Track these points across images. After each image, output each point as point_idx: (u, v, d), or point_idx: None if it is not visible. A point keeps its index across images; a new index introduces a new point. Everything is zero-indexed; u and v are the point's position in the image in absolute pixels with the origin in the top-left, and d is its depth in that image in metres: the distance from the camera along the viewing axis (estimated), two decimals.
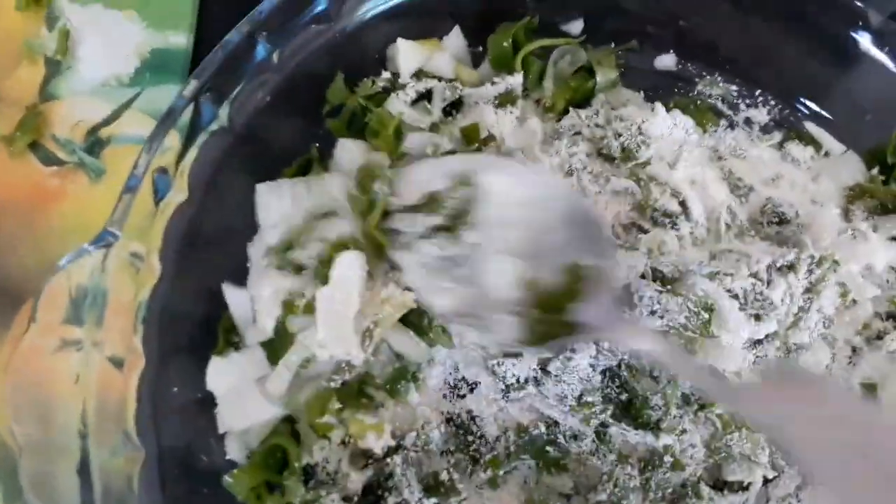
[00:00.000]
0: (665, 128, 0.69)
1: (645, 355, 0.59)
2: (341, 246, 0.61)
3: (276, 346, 0.62)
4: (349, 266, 0.61)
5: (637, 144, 0.68)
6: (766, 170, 0.71)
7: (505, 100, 0.69)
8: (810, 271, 0.61)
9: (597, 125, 0.70)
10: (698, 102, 0.76)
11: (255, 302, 0.64)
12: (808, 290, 0.61)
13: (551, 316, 0.59)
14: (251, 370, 0.63)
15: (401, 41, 0.72)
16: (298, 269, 0.63)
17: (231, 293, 0.66)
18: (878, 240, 0.65)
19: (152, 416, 0.61)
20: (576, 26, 0.77)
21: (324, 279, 0.61)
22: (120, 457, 0.57)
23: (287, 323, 0.62)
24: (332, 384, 0.61)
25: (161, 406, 0.62)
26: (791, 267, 0.61)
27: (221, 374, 0.63)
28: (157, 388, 0.61)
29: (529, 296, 0.60)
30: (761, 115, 0.76)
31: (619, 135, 0.68)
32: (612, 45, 0.77)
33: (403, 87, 0.72)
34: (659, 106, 0.70)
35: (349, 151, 0.70)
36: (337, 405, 0.60)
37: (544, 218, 0.61)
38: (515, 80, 0.70)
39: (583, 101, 0.74)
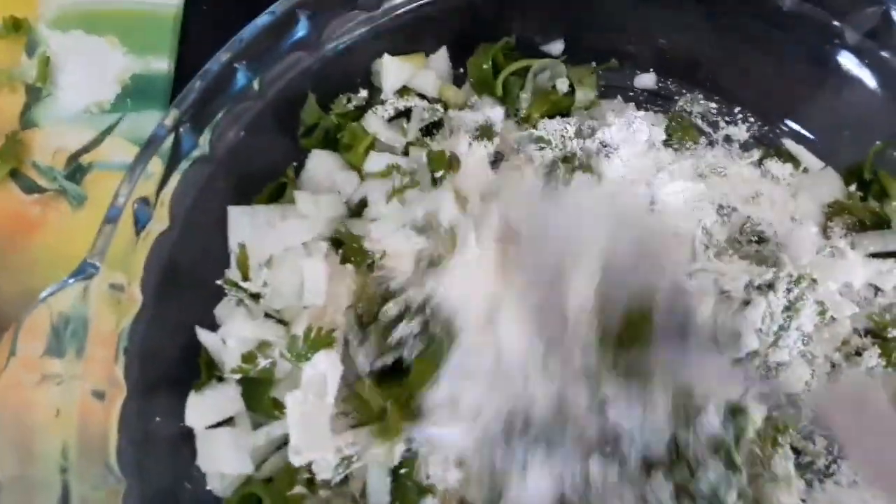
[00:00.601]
0: (626, 133, 0.69)
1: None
2: (319, 343, 0.59)
3: (249, 386, 0.62)
4: (324, 366, 0.59)
5: (598, 152, 0.68)
6: (746, 188, 0.71)
7: (484, 132, 0.69)
8: (789, 290, 0.61)
9: (566, 136, 0.70)
10: (680, 119, 0.77)
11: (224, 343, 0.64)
12: (787, 309, 0.61)
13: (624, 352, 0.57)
14: (228, 406, 0.63)
15: (386, 57, 0.73)
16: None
17: (203, 335, 0.65)
18: (856, 257, 0.65)
19: (135, 448, 0.60)
20: (556, 47, 0.78)
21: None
22: (102, 490, 0.57)
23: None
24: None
25: (144, 437, 0.61)
26: (770, 286, 0.61)
27: (199, 409, 0.63)
28: (139, 419, 0.61)
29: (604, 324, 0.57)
30: (741, 133, 0.77)
31: (583, 140, 0.69)
32: (593, 64, 0.77)
33: (383, 102, 0.72)
34: (621, 110, 0.71)
35: (322, 163, 0.70)
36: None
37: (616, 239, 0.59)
38: (496, 114, 0.71)
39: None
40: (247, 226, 0.66)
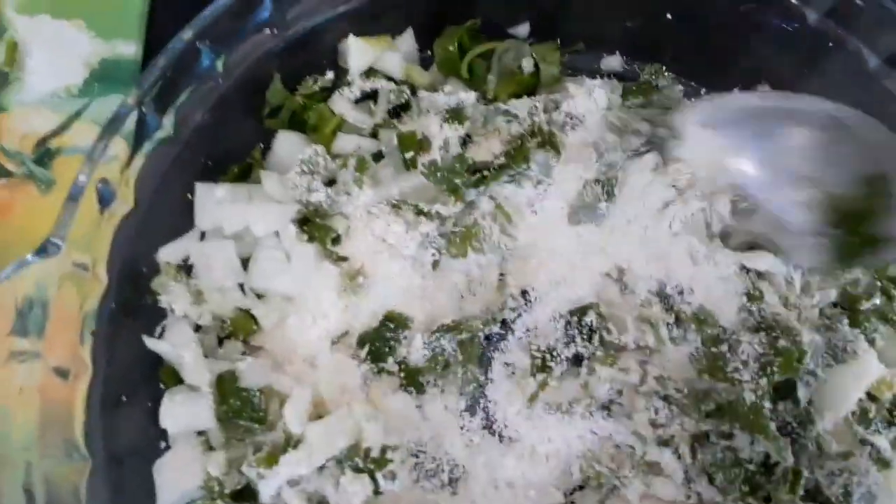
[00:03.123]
0: (588, 102, 0.70)
1: None
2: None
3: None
4: None
5: (564, 125, 0.69)
6: None
7: (454, 116, 0.69)
8: None
9: (532, 112, 0.71)
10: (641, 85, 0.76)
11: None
12: None
13: (856, 234, 0.59)
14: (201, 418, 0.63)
15: (352, 38, 0.73)
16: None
17: (153, 344, 0.65)
18: None
19: (102, 427, 0.61)
20: (522, 29, 0.78)
21: None
22: (65, 466, 0.57)
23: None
24: None
25: (111, 416, 0.61)
26: None
27: (174, 413, 0.64)
28: (106, 398, 0.61)
29: (830, 215, 0.60)
30: None
31: (549, 115, 0.70)
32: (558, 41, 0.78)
33: (349, 84, 0.72)
34: (581, 82, 0.73)
35: (288, 143, 0.70)
36: None
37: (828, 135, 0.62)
38: (468, 97, 0.71)
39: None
40: (213, 203, 0.66)
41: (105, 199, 0.61)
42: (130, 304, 0.64)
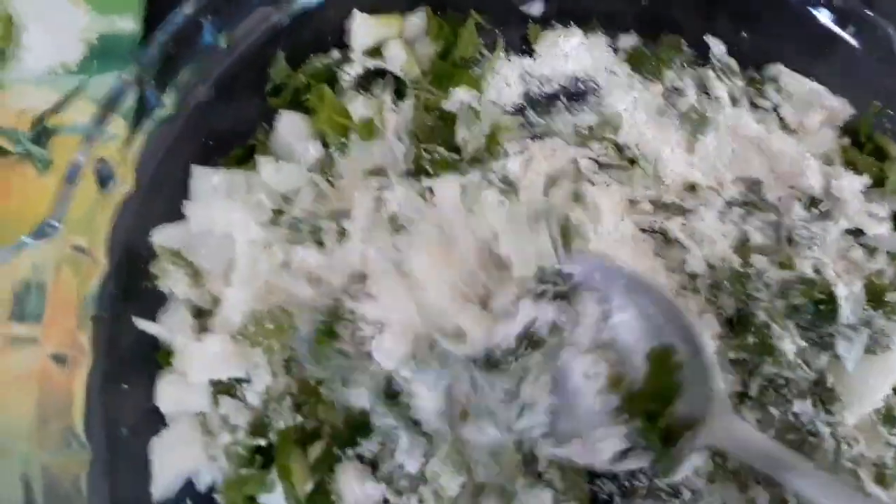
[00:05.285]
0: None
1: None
2: None
3: None
4: None
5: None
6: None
7: None
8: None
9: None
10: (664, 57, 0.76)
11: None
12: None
13: (656, 422, 0.56)
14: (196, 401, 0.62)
15: (357, 13, 0.70)
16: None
17: (146, 325, 0.63)
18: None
19: (102, 415, 0.59)
20: (536, 7, 0.76)
21: None
22: (64, 456, 0.55)
23: None
24: None
25: (112, 405, 0.60)
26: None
27: (168, 394, 0.62)
28: (107, 386, 0.59)
29: (626, 401, 0.57)
30: (723, 93, 0.75)
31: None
32: (572, 25, 0.75)
33: (351, 62, 0.70)
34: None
35: (292, 124, 0.68)
36: None
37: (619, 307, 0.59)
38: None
39: None
40: (208, 188, 0.64)
41: (104, 180, 0.59)
42: (131, 287, 0.62)
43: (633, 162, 0.70)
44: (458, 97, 0.70)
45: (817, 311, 0.61)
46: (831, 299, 0.61)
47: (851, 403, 0.61)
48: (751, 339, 0.61)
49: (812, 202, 0.68)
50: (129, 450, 0.61)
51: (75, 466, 0.56)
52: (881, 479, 0.59)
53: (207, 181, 0.65)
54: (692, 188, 0.70)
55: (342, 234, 0.63)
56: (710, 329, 0.62)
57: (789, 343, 0.61)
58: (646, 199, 0.68)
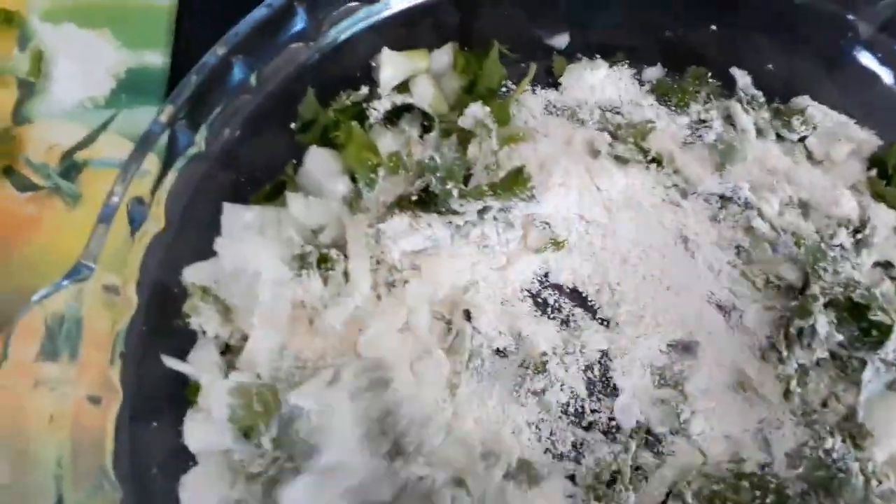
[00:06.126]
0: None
1: None
2: None
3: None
4: None
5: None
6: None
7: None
8: None
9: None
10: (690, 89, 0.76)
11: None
12: None
13: None
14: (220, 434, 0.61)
15: (385, 50, 0.71)
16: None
17: (173, 363, 0.63)
18: None
19: (131, 454, 0.59)
20: (561, 40, 0.76)
21: None
22: (97, 498, 0.55)
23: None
24: None
25: (141, 443, 0.60)
26: None
27: (196, 432, 0.62)
28: (136, 425, 0.59)
29: None
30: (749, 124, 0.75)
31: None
32: (598, 57, 0.75)
33: (379, 98, 0.70)
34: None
35: (320, 159, 0.68)
36: None
37: None
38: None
39: None
40: (239, 225, 0.64)
41: (136, 219, 0.59)
42: (161, 326, 0.62)
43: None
44: (472, 112, 0.70)
45: (866, 332, 0.62)
46: (888, 328, 0.61)
47: (881, 439, 0.61)
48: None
49: (854, 231, 0.68)
50: (160, 488, 0.61)
51: None
52: None
53: (239, 218, 0.65)
54: None
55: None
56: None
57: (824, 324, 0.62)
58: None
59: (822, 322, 0.63)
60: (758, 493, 0.60)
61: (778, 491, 0.60)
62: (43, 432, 0.54)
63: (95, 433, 0.57)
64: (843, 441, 0.61)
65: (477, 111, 0.69)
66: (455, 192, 0.64)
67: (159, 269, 0.62)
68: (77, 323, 0.56)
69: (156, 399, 0.62)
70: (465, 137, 0.70)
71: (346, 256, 0.65)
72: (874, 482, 0.60)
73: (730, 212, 0.71)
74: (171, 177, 0.62)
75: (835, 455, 0.61)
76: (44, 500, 0.53)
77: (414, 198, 0.65)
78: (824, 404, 0.64)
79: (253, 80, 0.64)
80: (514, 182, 0.65)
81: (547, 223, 0.69)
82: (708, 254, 0.69)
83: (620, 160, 0.71)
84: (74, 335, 0.56)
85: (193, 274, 0.64)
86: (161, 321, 0.63)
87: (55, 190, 0.74)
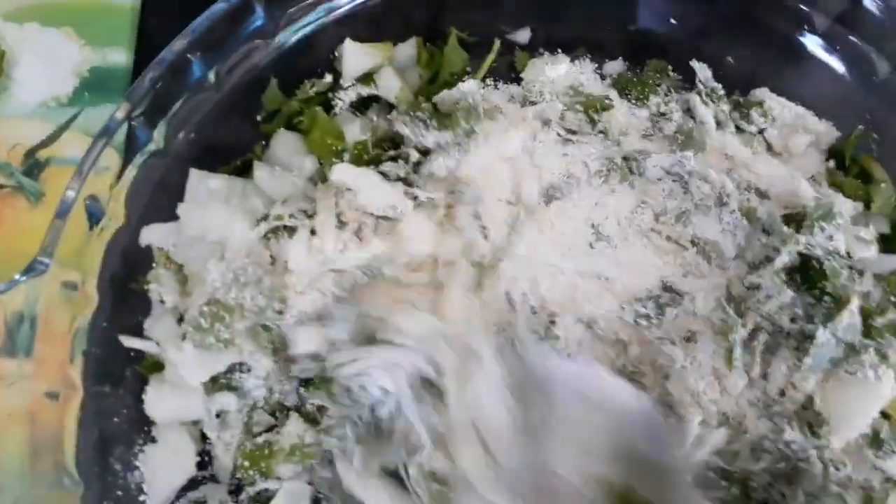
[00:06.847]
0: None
1: None
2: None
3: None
4: None
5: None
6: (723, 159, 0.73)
7: None
8: None
9: None
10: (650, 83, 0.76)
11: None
12: None
13: None
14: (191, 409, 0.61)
15: (348, 42, 0.71)
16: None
17: (134, 342, 0.62)
18: None
19: (93, 450, 0.59)
20: (523, 35, 0.77)
21: None
22: (57, 492, 0.55)
23: None
24: None
25: (102, 439, 0.60)
26: None
27: (162, 403, 0.61)
28: (97, 420, 0.60)
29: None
30: (709, 117, 0.76)
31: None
32: (559, 52, 0.76)
33: (344, 88, 0.71)
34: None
35: (287, 142, 0.68)
36: None
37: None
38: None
39: None
40: (204, 192, 0.64)
41: (94, 216, 0.59)
42: (122, 321, 0.63)
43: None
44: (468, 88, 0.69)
45: (818, 299, 0.62)
46: (843, 303, 0.61)
47: (838, 427, 0.61)
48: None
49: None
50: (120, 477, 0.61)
51: (68, 501, 0.56)
52: (868, 503, 0.59)
53: (204, 186, 0.65)
54: None
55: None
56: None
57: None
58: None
59: (770, 279, 0.62)
60: (723, 483, 0.60)
61: (742, 482, 0.60)
62: (2, 428, 0.54)
63: (54, 430, 0.57)
64: (801, 430, 0.62)
65: (472, 87, 0.68)
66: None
67: (120, 266, 0.62)
68: (32, 322, 0.56)
69: (120, 393, 0.62)
70: (442, 119, 0.68)
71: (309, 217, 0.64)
72: (832, 469, 0.60)
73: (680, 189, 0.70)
74: (131, 173, 0.62)
75: (794, 446, 0.61)
76: (4, 495, 0.53)
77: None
78: (782, 393, 0.64)
79: (212, 76, 0.64)
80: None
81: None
82: (654, 237, 0.68)
83: (569, 132, 0.71)
84: (31, 333, 0.56)
85: (151, 235, 0.64)
86: (123, 317, 0.63)
87: (18, 188, 0.74)
